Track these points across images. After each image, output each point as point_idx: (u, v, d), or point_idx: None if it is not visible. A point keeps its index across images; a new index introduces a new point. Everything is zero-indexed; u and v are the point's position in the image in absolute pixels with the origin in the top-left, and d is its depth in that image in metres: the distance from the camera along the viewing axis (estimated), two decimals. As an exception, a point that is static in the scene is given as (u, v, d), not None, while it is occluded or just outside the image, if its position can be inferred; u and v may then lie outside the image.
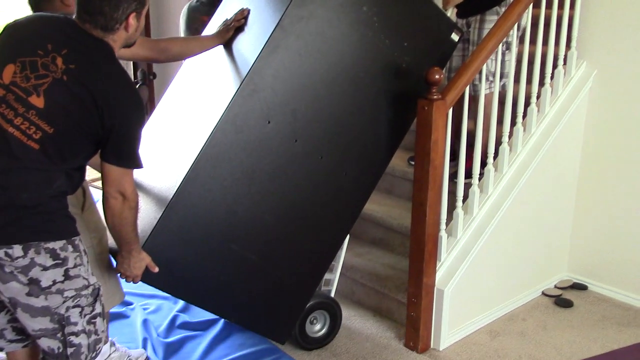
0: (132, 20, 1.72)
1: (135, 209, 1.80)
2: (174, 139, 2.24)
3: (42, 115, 1.61)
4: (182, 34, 3.12)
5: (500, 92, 2.79)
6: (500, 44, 2.68)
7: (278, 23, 2.02)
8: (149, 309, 2.95)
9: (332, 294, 2.73)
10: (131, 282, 1.98)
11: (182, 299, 2.33)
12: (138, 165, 1.77)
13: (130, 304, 2.96)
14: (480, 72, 2.73)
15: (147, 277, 1.98)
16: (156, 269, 1.96)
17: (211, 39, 2.28)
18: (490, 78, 2.80)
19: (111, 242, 2.03)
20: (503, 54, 2.80)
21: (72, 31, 1.69)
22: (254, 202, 2.15)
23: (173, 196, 1.97)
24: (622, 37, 2.92)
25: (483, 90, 2.72)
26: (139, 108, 1.75)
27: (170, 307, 2.96)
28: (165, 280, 2.05)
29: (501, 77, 2.82)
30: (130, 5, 1.70)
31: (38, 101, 1.61)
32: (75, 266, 1.71)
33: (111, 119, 1.66)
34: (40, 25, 1.73)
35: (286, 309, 2.44)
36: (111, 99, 1.67)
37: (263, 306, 2.36)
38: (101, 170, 1.75)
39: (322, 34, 2.14)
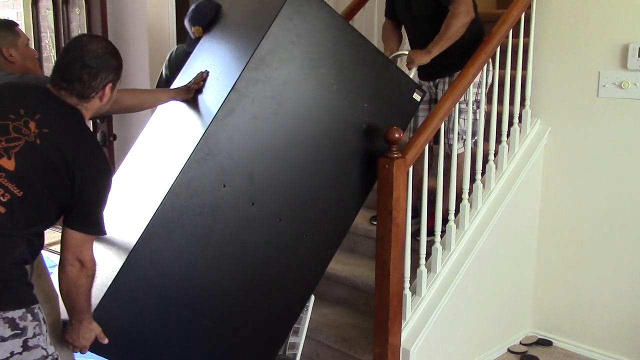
0: (107, 90, 1.76)
1: (92, 277, 1.76)
2: (128, 203, 2.20)
3: (12, 178, 1.59)
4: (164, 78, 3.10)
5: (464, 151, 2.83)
6: (468, 104, 2.75)
7: (233, 87, 2.02)
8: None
9: (298, 358, 2.65)
10: (78, 353, 1.90)
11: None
12: (102, 231, 1.76)
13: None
14: (454, 131, 2.76)
15: (96, 347, 1.90)
16: (106, 341, 1.88)
17: (166, 93, 2.29)
18: (464, 136, 2.84)
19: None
20: (474, 113, 2.85)
21: (44, 97, 1.71)
22: (210, 267, 2.09)
23: (124, 262, 1.92)
24: (572, 96, 3.02)
25: (455, 149, 2.75)
26: (108, 174, 1.76)
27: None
28: (116, 349, 1.96)
29: (473, 135, 2.86)
30: (109, 76, 1.74)
31: (9, 164, 1.59)
32: (34, 336, 1.64)
33: (82, 184, 1.66)
34: (11, 91, 1.74)
35: (246, 377, 2.35)
36: (83, 165, 1.67)
37: (221, 374, 2.28)
38: (62, 236, 1.71)
39: (279, 96, 2.14)
